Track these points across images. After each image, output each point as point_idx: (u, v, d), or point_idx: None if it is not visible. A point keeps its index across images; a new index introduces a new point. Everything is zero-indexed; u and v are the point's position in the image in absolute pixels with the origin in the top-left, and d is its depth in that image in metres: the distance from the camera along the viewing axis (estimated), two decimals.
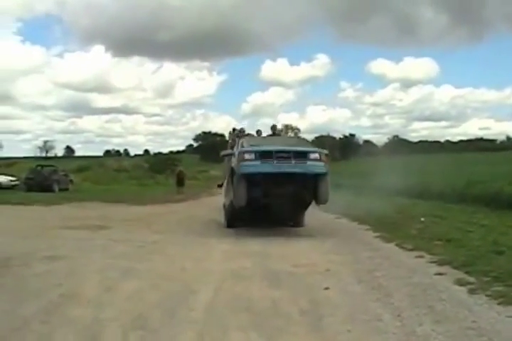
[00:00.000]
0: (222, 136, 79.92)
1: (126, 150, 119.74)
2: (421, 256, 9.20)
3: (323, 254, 9.88)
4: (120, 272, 8.03)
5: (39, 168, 35.51)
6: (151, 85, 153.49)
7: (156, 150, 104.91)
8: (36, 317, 5.59)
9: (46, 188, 30.05)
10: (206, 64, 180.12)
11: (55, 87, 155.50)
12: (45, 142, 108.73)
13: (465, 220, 14.45)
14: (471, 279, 7.17)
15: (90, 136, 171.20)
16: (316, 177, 12.55)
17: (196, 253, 10.04)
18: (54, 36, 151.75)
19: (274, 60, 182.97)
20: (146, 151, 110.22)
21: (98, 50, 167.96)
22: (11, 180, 32.84)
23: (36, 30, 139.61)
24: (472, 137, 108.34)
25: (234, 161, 13.05)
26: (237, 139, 15.34)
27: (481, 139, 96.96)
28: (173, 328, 5.29)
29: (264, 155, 12.34)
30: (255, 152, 12.45)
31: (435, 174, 27.48)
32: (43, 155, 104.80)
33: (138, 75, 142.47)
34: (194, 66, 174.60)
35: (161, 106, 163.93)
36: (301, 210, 13.99)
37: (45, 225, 14.21)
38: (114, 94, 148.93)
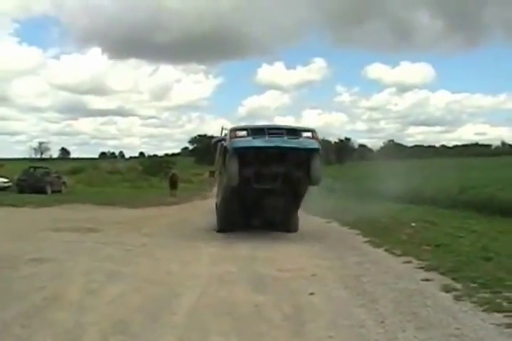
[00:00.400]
0: None
1: (121, 152, 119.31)
2: (409, 262, 9.17)
3: (311, 259, 9.84)
4: (106, 275, 7.99)
5: (32, 169, 35.38)
6: (147, 87, 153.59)
7: (152, 153, 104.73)
8: (17, 321, 5.54)
9: (39, 190, 29.84)
10: (203, 67, 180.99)
11: (51, 89, 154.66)
12: (40, 143, 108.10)
13: (456, 226, 14.43)
14: (458, 285, 7.15)
15: (86, 138, 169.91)
16: (309, 155, 12.32)
17: (184, 257, 9.99)
18: (51, 38, 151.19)
19: (270, 63, 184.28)
20: (142, 154, 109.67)
21: (95, 52, 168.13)
22: (3, 182, 32.65)
23: (33, 31, 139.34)
24: (467, 142, 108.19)
25: (226, 141, 12.87)
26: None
27: (477, 144, 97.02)
28: (154, 333, 5.25)
29: (256, 132, 12.20)
30: (247, 129, 12.35)
31: (428, 179, 27.50)
32: (38, 156, 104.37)
33: (134, 77, 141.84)
34: (190, 69, 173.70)
35: (157, 108, 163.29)
36: (294, 205, 13.79)
37: (35, 227, 14.11)
38: (110, 96, 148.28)
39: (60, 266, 8.74)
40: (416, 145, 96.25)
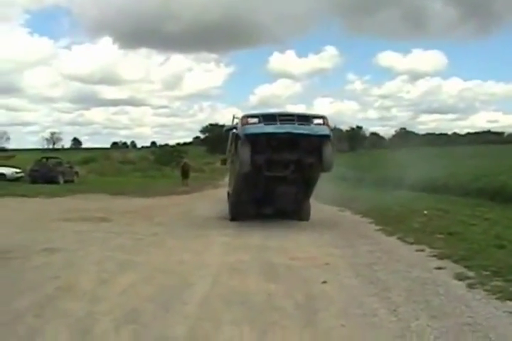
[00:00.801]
0: None
1: (133, 142, 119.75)
2: (422, 250, 9.13)
3: (323, 247, 9.81)
4: (117, 265, 8.02)
5: (44, 159, 35.56)
6: (158, 77, 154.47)
7: (163, 142, 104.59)
8: (30, 311, 5.56)
9: (51, 180, 29.99)
10: (214, 56, 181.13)
11: (62, 79, 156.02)
12: (52, 134, 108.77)
13: (469, 214, 14.34)
14: (471, 274, 7.10)
15: (98, 128, 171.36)
16: (320, 141, 12.32)
17: (195, 246, 10.00)
18: (62, 28, 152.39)
19: (282, 51, 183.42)
20: (153, 143, 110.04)
21: (106, 41, 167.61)
22: (16, 172, 32.85)
23: (44, 22, 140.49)
24: (480, 130, 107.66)
25: (238, 128, 12.94)
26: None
27: (489, 132, 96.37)
28: (166, 322, 5.24)
29: (267, 118, 12.23)
30: (259, 116, 12.37)
31: (441, 167, 27.34)
32: (50, 146, 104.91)
33: (145, 67, 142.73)
34: (202, 58, 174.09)
35: (169, 98, 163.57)
36: (306, 193, 13.76)
37: (47, 217, 14.21)
38: (121, 85, 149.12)
39: (72, 255, 8.77)
40: (428, 133, 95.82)
